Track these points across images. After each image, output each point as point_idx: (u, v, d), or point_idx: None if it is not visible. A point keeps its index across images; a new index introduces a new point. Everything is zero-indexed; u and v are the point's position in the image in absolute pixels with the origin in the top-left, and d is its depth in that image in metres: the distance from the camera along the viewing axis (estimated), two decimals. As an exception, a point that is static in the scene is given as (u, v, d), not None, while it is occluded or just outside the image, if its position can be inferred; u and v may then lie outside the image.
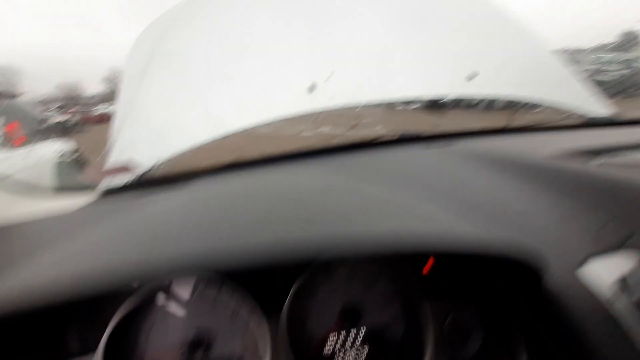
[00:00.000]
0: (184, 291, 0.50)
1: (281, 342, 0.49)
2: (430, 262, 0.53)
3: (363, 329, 0.53)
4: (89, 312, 0.47)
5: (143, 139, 0.77)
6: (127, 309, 0.48)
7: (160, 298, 0.50)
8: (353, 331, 0.53)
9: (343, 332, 0.52)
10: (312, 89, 0.89)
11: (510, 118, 1.00)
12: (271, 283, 0.51)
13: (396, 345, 0.53)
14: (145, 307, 0.50)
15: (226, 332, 0.49)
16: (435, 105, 1.09)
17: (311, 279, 0.53)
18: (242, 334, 0.50)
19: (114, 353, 0.46)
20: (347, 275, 0.54)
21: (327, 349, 0.51)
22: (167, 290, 0.51)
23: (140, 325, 0.50)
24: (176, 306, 0.50)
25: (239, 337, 0.50)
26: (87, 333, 0.45)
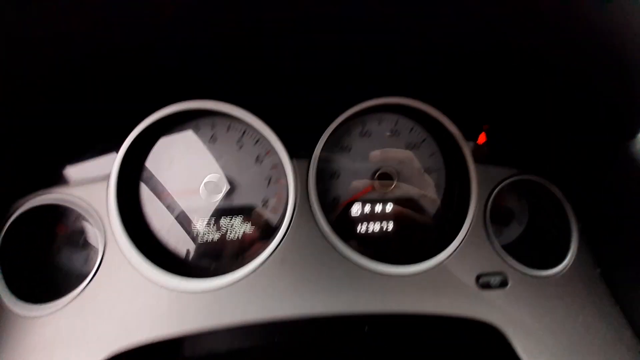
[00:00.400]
0: (205, 130, 0.46)
1: (308, 192, 0.45)
2: (483, 133, 0.46)
3: (390, 205, 0.48)
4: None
5: None
6: (143, 126, 0.44)
7: (184, 133, 0.46)
8: (383, 204, 0.49)
9: (373, 201, 0.48)
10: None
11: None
12: (303, 131, 0.46)
13: (433, 216, 0.49)
14: (162, 137, 0.46)
15: (250, 176, 0.46)
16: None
17: (345, 134, 0.48)
18: (267, 180, 0.47)
19: (130, 175, 0.43)
20: (387, 135, 0.49)
21: (355, 212, 0.47)
22: (190, 126, 0.46)
23: (160, 153, 0.47)
24: (196, 145, 0.46)
25: (264, 183, 0.46)
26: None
